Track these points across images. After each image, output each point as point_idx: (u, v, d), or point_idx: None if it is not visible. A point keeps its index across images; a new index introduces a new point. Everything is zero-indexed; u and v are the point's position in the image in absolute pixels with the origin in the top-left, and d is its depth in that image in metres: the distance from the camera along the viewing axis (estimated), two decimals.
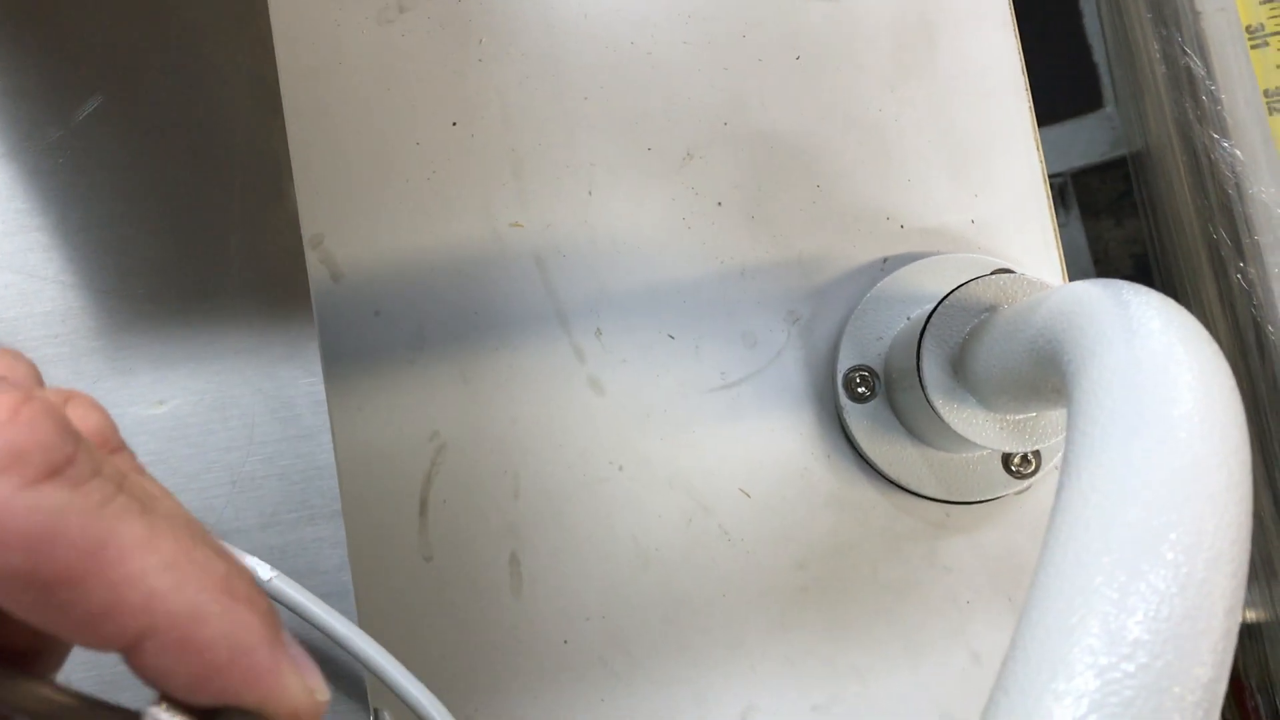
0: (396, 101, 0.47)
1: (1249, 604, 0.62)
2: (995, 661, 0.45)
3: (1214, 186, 0.57)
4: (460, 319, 0.46)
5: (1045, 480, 0.46)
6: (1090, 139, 0.87)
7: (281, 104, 0.39)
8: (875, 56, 0.49)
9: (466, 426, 0.46)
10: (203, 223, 0.37)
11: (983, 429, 0.40)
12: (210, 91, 0.38)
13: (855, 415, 0.46)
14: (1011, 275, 0.41)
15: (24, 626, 0.18)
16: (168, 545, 0.19)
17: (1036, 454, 0.45)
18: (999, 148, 0.48)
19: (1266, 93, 0.56)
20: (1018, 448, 0.40)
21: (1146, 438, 0.22)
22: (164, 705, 0.19)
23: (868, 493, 0.46)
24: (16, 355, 0.22)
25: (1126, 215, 0.88)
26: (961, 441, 0.41)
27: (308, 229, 0.45)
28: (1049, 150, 0.49)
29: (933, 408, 0.40)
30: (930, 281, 0.46)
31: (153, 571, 0.18)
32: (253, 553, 0.35)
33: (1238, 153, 0.55)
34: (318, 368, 0.36)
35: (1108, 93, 0.86)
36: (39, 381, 0.23)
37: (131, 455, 0.23)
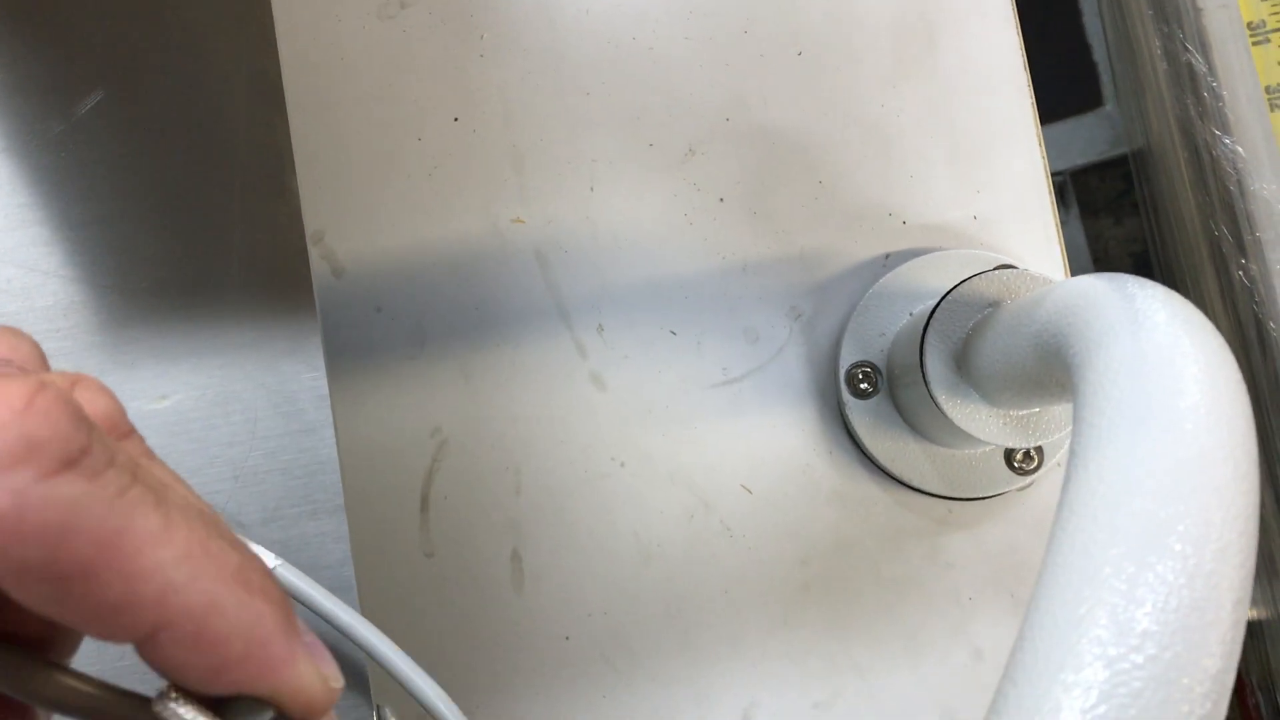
0: (398, 97, 0.47)
1: (1251, 602, 0.62)
2: (997, 658, 0.46)
3: (1215, 183, 0.57)
4: (462, 315, 0.46)
5: (1048, 477, 0.46)
6: (1090, 138, 0.87)
7: (284, 99, 0.39)
8: (877, 53, 0.49)
9: (468, 422, 0.46)
10: (205, 218, 0.37)
11: (986, 424, 0.40)
12: (213, 87, 0.38)
13: (857, 411, 0.46)
14: (1014, 270, 0.41)
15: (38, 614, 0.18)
16: (182, 537, 0.19)
17: (1039, 450, 0.45)
18: (1001, 144, 0.48)
19: (1268, 89, 0.56)
20: (1021, 443, 0.40)
21: (1153, 429, 0.22)
22: (174, 694, 0.19)
23: (870, 489, 0.46)
24: (17, 333, 0.22)
25: (1126, 214, 0.88)
26: (964, 437, 0.41)
27: (309, 225, 0.45)
28: (1048, 149, 0.49)
29: (936, 403, 0.40)
30: (933, 277, 0.46)
31: (168, 564, 0.18)
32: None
33: (1239, 149, 0.55)
34: (320, 362, 0.36)
35: (1107, 91, 0.86)
36: (44, 362, 0.22)
37: (141, 439, 0.22)
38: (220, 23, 0.39)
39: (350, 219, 0.46)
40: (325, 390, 0.36)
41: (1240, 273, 0.56)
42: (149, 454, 0.22)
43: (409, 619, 0.44)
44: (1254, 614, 0.62)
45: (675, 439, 0.46)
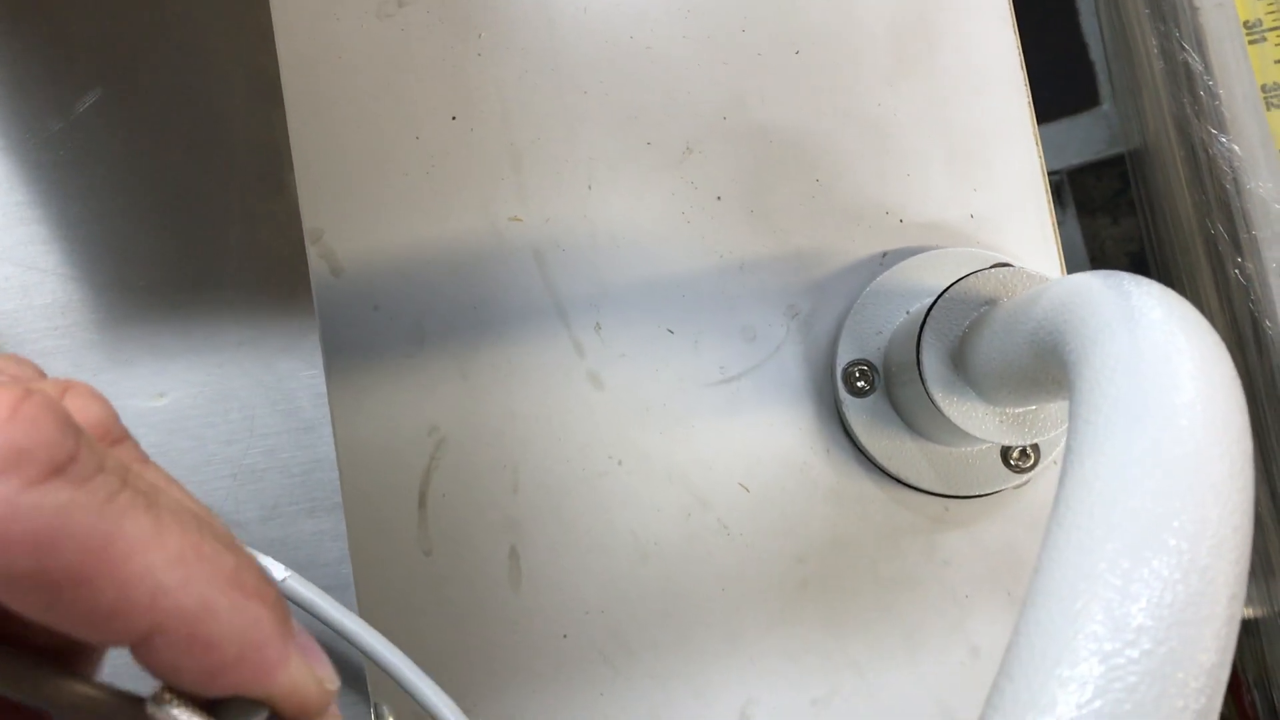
0: (396, 96, 0.47)
1: (1246, 600, 0.62)
2: (994, 655, 0.46)
3: (1212, 182, 0.57)
4: (459, 314, 0.46)
5: (1045, 474, 0.46)
6: (1086, 137, 0.87)
7: (282, 97, 0.39)
8: (874, 52, 0.49)
9: (466, 421, 0.46)
10: (203, 215, 0.37)
11: (982, 422, 0.40)
12: (211, 85, 0.38)
13: (854, 409, 0.46)
14: (1011, 269, 0.41)
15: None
16: (174, 540, 0.19)
17: (1036, 448, 0.45)
18: (998, 142, 0.48)
19: (1264, 88, 0.56)
20: (1017, 441, 0.40)
21: (1149, 425, 0.22)
22: (169, 695, 0.19)
23: (867, 487, 0.46)
24: (19, 359, 0.22)
25: (1123, 213, 0.88)
26: (961, 435, 0.41)
27: (307, 223, 0.45)
28: (1045, 148, 0.49)
29: (933, 401, 0.40)
30: (929, 276, 0.46)
31: (160, 568, 0.18)
32: (252, 545, 0.35)
33: (1235, 148, 0.55)
34: (318, 360, 0.37)
35: (1104, 90, 0.86)
36: (38, 371, 0.22)
37: (134, 444, 0.22)
38: (218, 21, 0.39)
39: (348, 217, 0.46)
40: (323, 388, 0.37)
41: (1236, 271, 0.56)
42: (142, 459, 0.22)
43: (407, 617, 0.44)
44: (1251, 612, 0.62)
45: (673, 437, 0.46)
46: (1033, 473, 0.45)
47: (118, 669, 0.31)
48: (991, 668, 0.46)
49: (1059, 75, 0.87)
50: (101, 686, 0.19)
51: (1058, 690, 0.20)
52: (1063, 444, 0.44)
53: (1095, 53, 0.87)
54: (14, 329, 0.35)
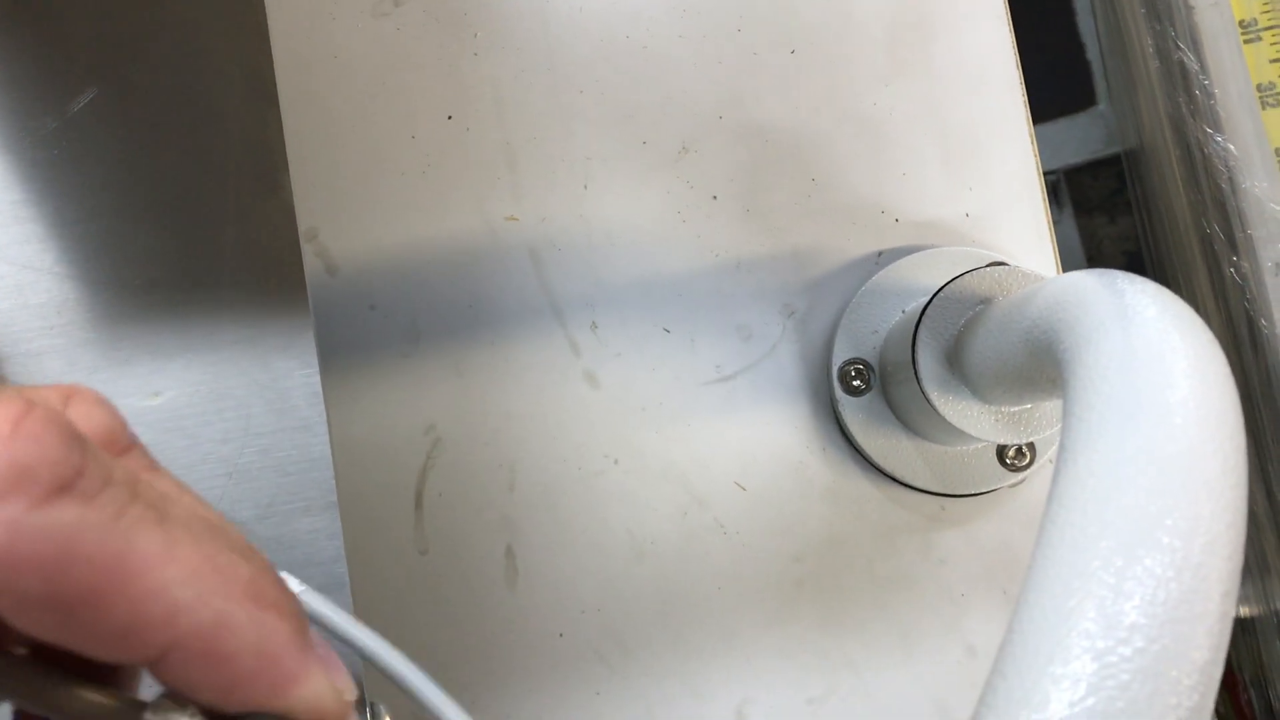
0: (392, 95, 0.47)
1: (1243, 599, 0.62)
2: (990, 654, 0.46)
3: (1207, 181, 0.57)
4: (455, 313, 0.46)
5: (1040, 473, 0.46)
6: (1083, 137, 0.87)
7: (277, 96, 0.39)
8: (870, 51, 0.49)
9: (461, 420, 0.46)
10: (198, 214, 0.37)
11: (978, 421, 0.40)
12: (206, 84, 0.38)
13: (850, 408, 0.46)
14: (1006, 268, 0.41)
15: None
16: (188, 553, 0.18)
17: (1031, 446, 0.45)
18: (993, 141, 0.48)
19: (1259, 87, 0.56)
20: (1013, 440, 0.40)
21: (1142, 423, 0.22)
22: (170, 703, 0.19)
23: (863, 486, 0.46)
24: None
25: (1119, 212, 0.89)
26: (957, 434, 0.41)
27: (302, 222, 0.45)
28: (1042, 148, 0.49)
29: (928, 400, 0.40)
30: (925, 275, 0.46)
31: (174, 584, 0.18)
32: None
33: (1231, 147, 0.55)
34: (313, 359, 0.36)
35: (1100, 90, 0.86)
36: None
37: (143, 450, 0.22)
38: (214, 20, 0.39)
39: (344, 216, 0.46)
40: (319, 387, 0.36)
41: (1232, 270, 0.56)
42: (151, 466, 0.21)
43: (402, 616, 0.44)
44: (1246, 611, 0.62)
45: (669, 436, 0.46)
46: (1028, 471, 0.45)
47: None
48: (988, 666, 0.46)
49: (1055, 75, 0.87)
50: (91, 687, 0.19)
51: (1051, 688, 0.20)
52: (1058, 443, 0.44)
53: (1091, 52, 0.87)
54: (9, 328, 0.35)
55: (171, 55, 0.38)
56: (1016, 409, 0.40)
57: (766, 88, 0.48)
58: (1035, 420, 0.40)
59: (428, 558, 0.45)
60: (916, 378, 0.40)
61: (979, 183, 0.48)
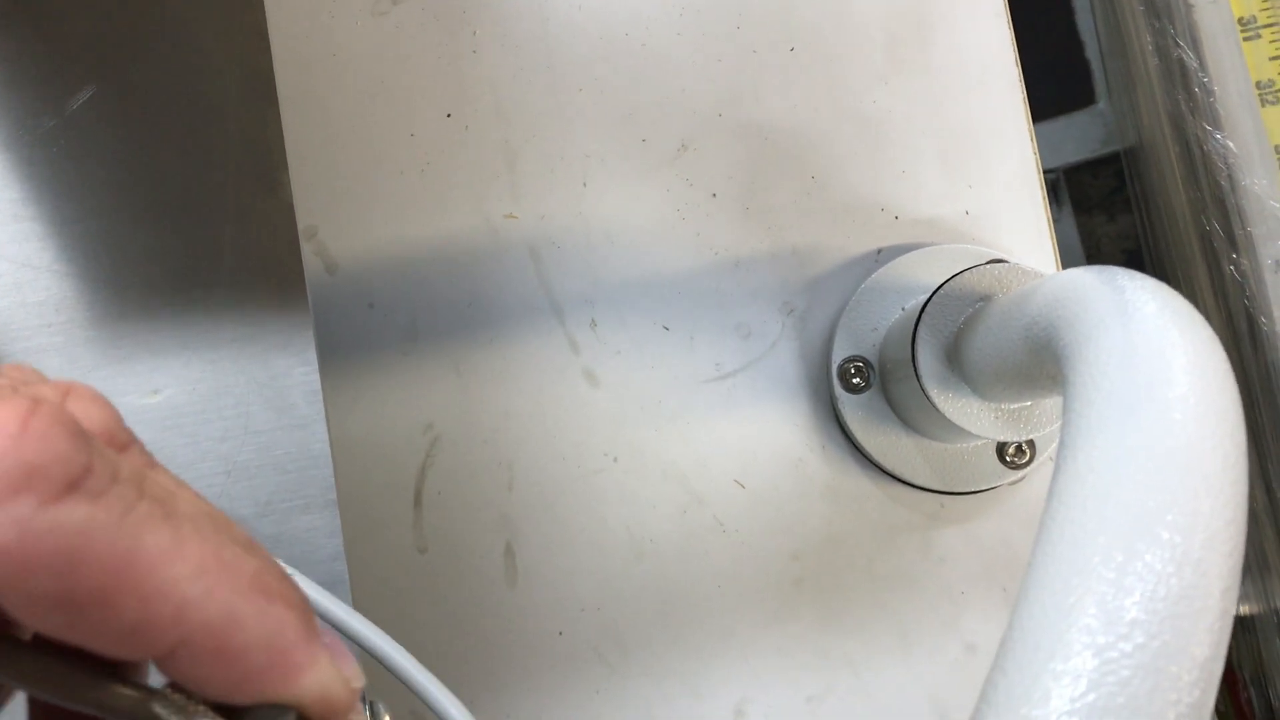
0: (390, 93, 0.47)
1: (1242, 597, 0.62)
2: (990, 652, 0.46)
3: (1207, 178, 0.57)
4: (454, 311, 0.46)
5: (1040, 470, 0.46)
6: (1082, 135, 0.87)
7: (276, 95, 0.39)
8: (869, 49, 0.49)
9: (461, 419, 0.46)
10: (197, 213, 0.37)
11: (978, 418, 0.40)
12: (205, 82, 0.38)
13: (850, 406, 0.46)
14: (1006, 265, 0.41)
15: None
16: (195, 549, 0.18)
17: (1031, 444, 0.45)
18: (993, 139, 0.48)
19: (1259, 85, 0.56)
20: (1012, 437, 0.40)
21: (1142, 419, 0.22)
22: (176, 693, 0.19)
23: (862, 484, 0.46)
24: (17, 366, 0.22)
25: (1119, 211, 0.89)
26: (956, 431, 0.41)
27: (302, 221, 0.45)
28: (1041, 146, 0.49)
29: (928, 397, 0.40)
30: (925, 272, 0.46)
31: (183, 580, 0.18)
32: None
33: (1230, 145, 0.55)
34: (313, 356, 0.36)
35: (1100, 89, 0.86)
36: (40, 377, 0.22)
37: (141, 447, 0.22)
38: (213, 18, 0.39)
39: (343, 215, 0.46)
40: (317, 385, 0.36)
41: (1231, 267, 0.56)
42: (151, 462, 0.21)
43: (402, 614, 0.44)
44: (1246, 609, 0.62)
45: (668, 434, 0.46)
46: (1028, 469, 0.45)
47: None
48: (987, 664, 0.46)
49: (1055, 73, 0.87)
50: (96, 672, 0.19)
51: (1051, 684, 0.20)
52: (1058, 439, 0.44)
53: (1091, 50, 0.87)
54: (8, 326, 0.35)
55: (170, 53, 0.38)
56: (1016, 406, 0.40)
57: (766, 86, 0.48)
58: (1035, 417, 0.40)
59: (427, 556, 0.45)
60: (916, 375, 0.40)
61: (979, 180, 0.48)
